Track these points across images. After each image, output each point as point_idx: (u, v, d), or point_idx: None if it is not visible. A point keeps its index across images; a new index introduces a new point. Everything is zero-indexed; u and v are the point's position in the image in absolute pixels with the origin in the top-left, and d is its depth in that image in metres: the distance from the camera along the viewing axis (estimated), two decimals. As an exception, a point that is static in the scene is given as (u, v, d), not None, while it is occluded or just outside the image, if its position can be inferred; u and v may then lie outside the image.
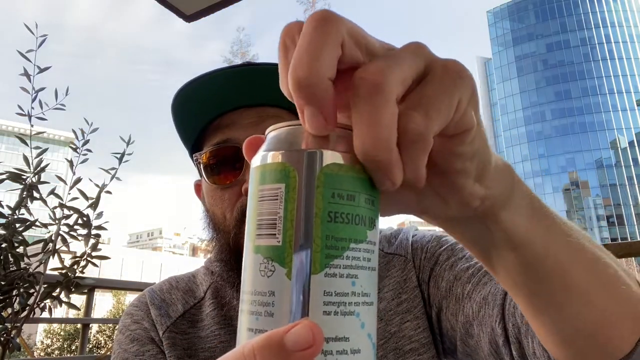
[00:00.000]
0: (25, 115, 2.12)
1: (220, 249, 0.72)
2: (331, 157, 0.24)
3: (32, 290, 1.97)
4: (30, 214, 2.08)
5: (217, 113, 0.74)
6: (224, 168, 0.71)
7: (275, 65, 0.71)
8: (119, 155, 2.22)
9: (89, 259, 2.10)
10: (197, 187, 0.83)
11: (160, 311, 0.72)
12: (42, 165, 2.09)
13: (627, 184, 53.08)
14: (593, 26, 56.76)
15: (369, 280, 0.25)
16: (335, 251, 0.23)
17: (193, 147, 0.78)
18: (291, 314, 0.23)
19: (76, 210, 2.09)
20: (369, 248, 0.25)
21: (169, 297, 0.75)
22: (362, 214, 0.25)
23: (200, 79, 0.71)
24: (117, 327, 0.75)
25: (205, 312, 0.73)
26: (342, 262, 0.23)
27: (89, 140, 2.23)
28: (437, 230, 0.75)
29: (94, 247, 2.11)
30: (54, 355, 10.32)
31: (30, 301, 1.97)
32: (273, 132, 0.27)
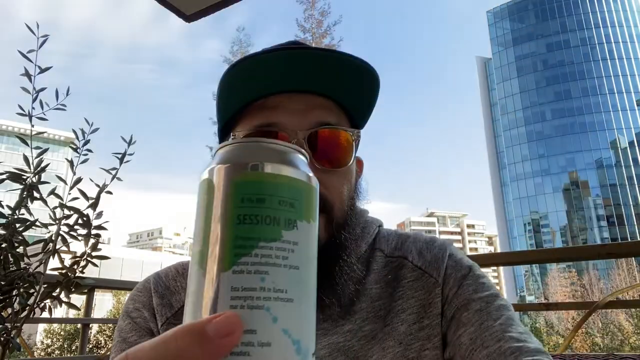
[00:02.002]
0: (25, 115, 2.12)
1: None
2: (243, 167, 0.27)
3: (32, 290, 1.97)
4: (30, 214, 2.08)
5: (263, 93, 0.69)
6: None
7: (325, 50, 0.68)
8: (119, 155, 2.21)
9: (89, 259, 2.10)
10: None
11: (163, 300, 0.71)
12: (43, 165, 2.09)
13: (627, 184, 53.07)
14: (593, 26, 56.74)
15: (284, 278, 0.26)
16: (243, 250, 0.26)
17: (226, 124, 0.74)
18: (202, 308, 0.25)
19: (76, 210, 2.08)
20: (286, 247, 0.26)
21: (173, 285, 0.74)
22: (274, 215, 0.27)
23: (252, 56, 0.67)
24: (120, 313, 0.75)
25: None
26: (250, 260, 0.25)
27: (89, 140, 2.23)
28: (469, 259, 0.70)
29: (94, 247, 2.11)
30: (54, 355, 10.33)
31: (30, 301, 1.97)
32: (219, 151, 0.31)
